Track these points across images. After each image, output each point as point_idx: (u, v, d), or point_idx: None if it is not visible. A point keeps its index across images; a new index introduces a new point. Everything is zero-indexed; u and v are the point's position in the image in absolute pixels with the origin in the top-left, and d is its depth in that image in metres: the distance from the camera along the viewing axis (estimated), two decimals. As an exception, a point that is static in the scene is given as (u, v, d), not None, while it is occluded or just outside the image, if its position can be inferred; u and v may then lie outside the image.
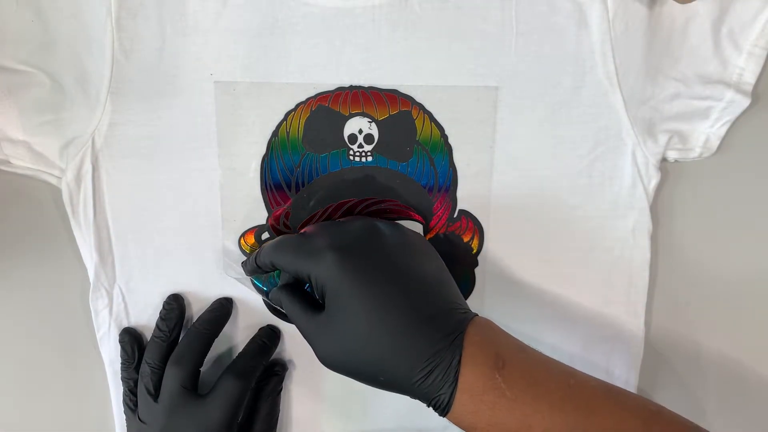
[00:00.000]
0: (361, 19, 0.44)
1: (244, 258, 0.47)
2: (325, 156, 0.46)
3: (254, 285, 0.48)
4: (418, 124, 0.45)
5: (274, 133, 0.46)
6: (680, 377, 0.51)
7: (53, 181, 0.47)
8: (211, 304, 0.48)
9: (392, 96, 0.45)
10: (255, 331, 0.49)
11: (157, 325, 0.47)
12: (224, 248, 0.47)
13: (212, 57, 0.44)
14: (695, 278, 0.50)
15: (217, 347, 0.48)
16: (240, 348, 0.48)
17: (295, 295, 0.42)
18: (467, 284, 0.48)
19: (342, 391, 0.50)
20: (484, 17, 0.44)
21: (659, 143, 0.46)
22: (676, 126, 0.46)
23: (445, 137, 0.46)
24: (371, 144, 0.46)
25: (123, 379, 0.48)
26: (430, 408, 0.38)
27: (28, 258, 0.49)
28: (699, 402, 0.52)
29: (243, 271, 0.47)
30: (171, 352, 0.46)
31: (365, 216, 0.46)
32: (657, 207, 0.48)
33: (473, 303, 0.48)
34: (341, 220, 0.45)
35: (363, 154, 0.46)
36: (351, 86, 0.45)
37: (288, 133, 0.46)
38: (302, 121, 0.45)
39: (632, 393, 0.39)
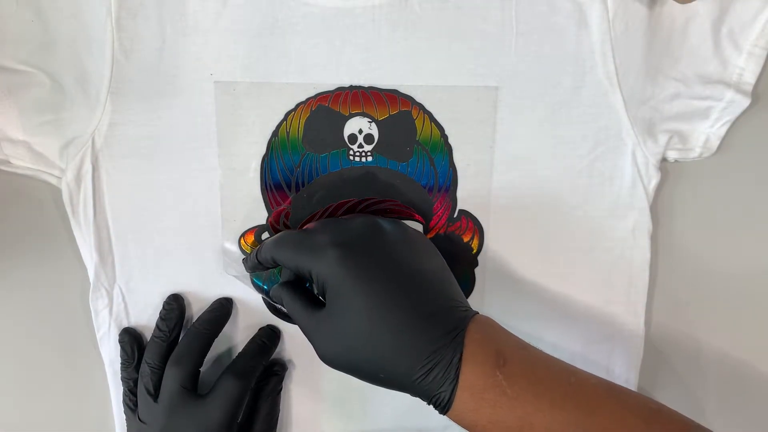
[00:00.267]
0: (361, 19, 0.44)
1: (244, 258, 0.47)
2: (325, 156, 0.46)
3: (254, 284, 0.48)
4: (418, 124, 0.45)
5: (274, 133, 0.46)
6: (680, 377, 0.51)
7: (53, 181, 0.47)
8: (211, 304, 0.48)
9: (392, 96, 0.45)
10: (255, 331, 0.49)
11: (157, 325, 0.47)
12: (224, 248, 0.47)
13: (212, 57, 0.44)
14: (695, 278, 0.50)
15: (217, 347, 0.48)
16: (240, 348, 0.48)
17: (296, 292, 0.42)
18: (467, 284, 0.48)
19: (342, 390, 0.50)
20: (484, 17, 0.44)
21: (659, 143, 0.46)
22: (676, 126, 0.46)
23: (445, 137, 0.46)
24: (371, 144, 0.46)
25: (123, 379, 0.48)
26: (431, 406, 0.37)
27: (28, 258, 0.49)
28: (699, 401, 0.52)
29: (243, 269, 0.47)
30: (171, 352, 0.46)
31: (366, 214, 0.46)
32: (657, 207, 0.48)
33: (473, 303, 0.48)
34: (343, 217, 0.45)
35: (363, 154, 0.46)
36: (351, 86, 0.45)
37: (288, 133, 0.46)
38: (302, 121, 0.45)
39: (633, 391, 0.39)
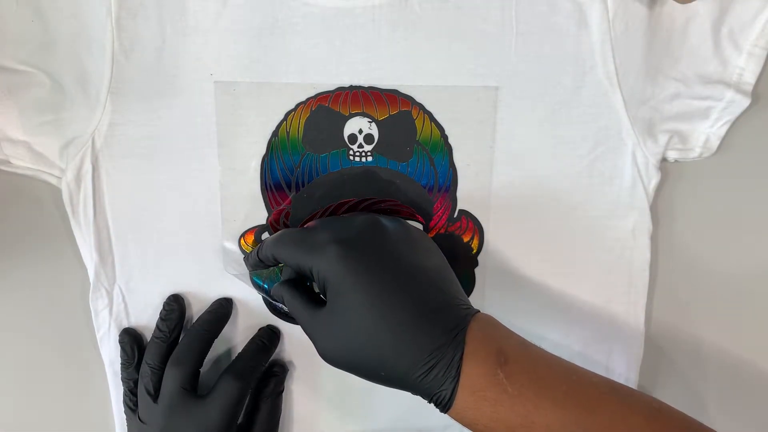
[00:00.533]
0: (361, 19, 0.44)
1: (245, 256, 0.47)
2: (325, 156, 0.46)
3: (253, 283, 0.48)
4: (418, 124, 0.45)
5: (274, 133, 0.46)
6: (681, 376, 0.51)
7: (53, 181, 0.47)
8: (211, 305, 0.48)
9: (392, 96, 0.45)
10: (255, 331, 0.49)
11: (157, 325, 0.47)
12: (224, 248, 0.47)
13: (212, 57, 0.44)
14: (695, 278, 0.50)
15: (217, 348, 0.48)
16: (240, 348, 0.48)
17: (297, 290, 0.42)
18: (467, 284, 0.48)
19: (341, 390, 0.50)
20: (484, 17, 0.44)
21: (659, 143, 0.46)
22: (676, 126, 0.46)
23: (445, 137, 0.46)
24: (371, 144, 0.46)
25: (123, 379, 0.48)
26: (432, 405, 0.37)
27: (28, 258, 0.49)
28: (700, 400, 0.52)
29: (243, 269, 0.47)
30: (171, 352, 0.46)
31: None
32: (657, 207, 0.48)
33: (473, 303, 0.47)
34: (344, 215, 0.45)
35: (363, 154, 0.46)
36: (351, 86, 0.45)
37: (288, 133, 0.46)
38: (302, 121, 0.45)
39: (635, 390, 0.39)
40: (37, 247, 0.49)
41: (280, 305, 0.47)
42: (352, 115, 0.45)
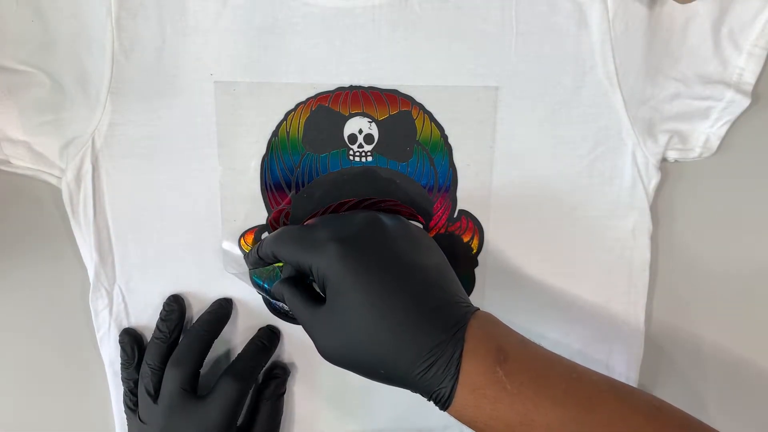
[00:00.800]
0: (361, 19, 0.44)
1: (246, 254, 0.47)
2: (325, 156, 0.46)
3: (253, 282, 0.48)
4: (418, 124, 0.45)
5: (274, 133, 0.46)
6: (681, 376, 0.51)
7: (53, 181, 0.47)
8: (211, 305, 0.48)
9: (392, 96, 0.45)
10: (255, 331, 0.49)
11: (157, 326, 0.47)
12: (224, 249, 0.47)
13: (212, 57, 0.44)
14: (695, 278, 0.50)
15: (217, 348, 0.48)
16: (240, 349, 0.48)
17: (297, 288, 0.41)
18: (467, 284, 0.48)
19: (341, 390, 0.50)
20: (484, 17, 0.44)
21: (659, 143, 0.46)
22: (676, 126, 0.46)
23: (445, 137, 0.46)
24: (371, 144, 0.46)
25: (123, 379, 0.48)
26: (431, 403, 0.37)
27: (28, 258, 0.49)
28: (700, 400, 0.52)
29: (242, 268, 0.47)
30: (171, 353, 0.46)
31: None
32: (657, 207, 0.48)
33: (473, 302, 0.48)
34: (344, 213, 0.44)
35: (363, 154, 0.46)
36: (351, 86, 0.45)
37: (288, 133, 0.46)
38: (302, 121, 0.45)
39: (635, 388, 0.39)
40: (37, 247, 0.49)
41: (280, 304, 0.47)
42: (352, 115, 0.45)
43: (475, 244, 0.48)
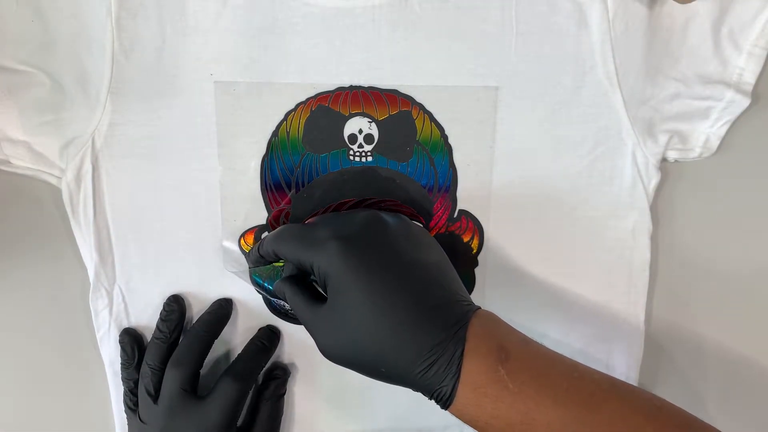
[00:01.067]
0: (361, 19, 0.44)
1: (244, 257, 0.47)
2: (325, 156, 0.46)
3: (253, 280, 0.48)
4: (418, 124, 0.45)
5: (274, 133, 0.46)
6: (681, 376, 0.51)
7: (53, 181, 0.47)
8: (211, 306, 0.48)
9: (392, 96, 0.45)
10: (255, 332, 0.49)
11: (157, 326, 0.47)
12: (224, 248, 0.47)
13: (212, 57, 0.44)
14: (695, 278, 0.50)
15: (217, 349, 0.48)
16: (240, 349, 0.48)
17: (298, 286, 0.41)
18: (467, 284, 0.48)
19: (341, 390, 0.50)
20: (484, 17, 0.44)
21: (659, 143, 0.46)
22: (676, 126, 0.46)
23: (445, 137, 0.46)
24: (371, 144, 0.46)
25: (123, 379, 0.48)
26: (432, 402, 0.37)
27: (28, 258, 0.49)
28: (701, 399, 0.52)
29: (242, 266, 0.47)
30: (171, 353, 0.46)
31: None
32: (657, 207, 0.48)
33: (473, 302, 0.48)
34: (345, 211, 0.44)
35: (363, 154, 0.46)
36: (351, 86, 0.45)
37: (288, 133, 0.46)
38: (302, 121, 0.45)
39: (636, 387, 0.39)
40: (37, 247, 0.49)
41: (281, 303, 0.47)
42: (352, 115, 0.45)
43: (475, 244, 0.48)
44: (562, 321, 0.49)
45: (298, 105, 0.45)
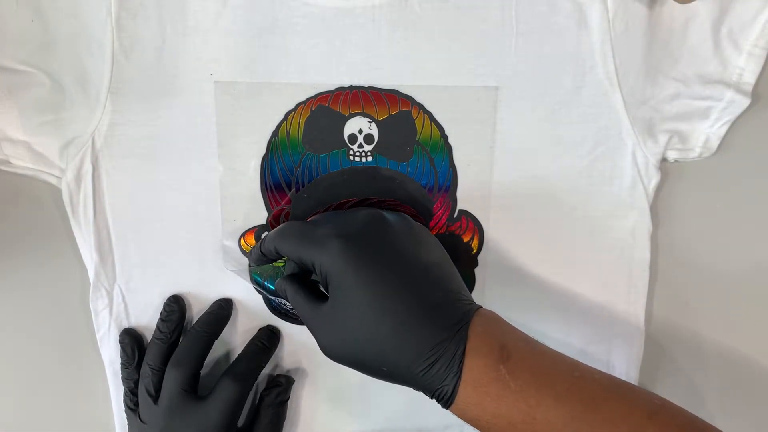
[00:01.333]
0: (361, 19, 0.44)
1: (244, 257, 0.47)
2: (325, 156, 0.46)
3: (252, 279, 0.48)
4: (418, 124, 0.45)
5: (274, 133, 0.46)
6: (681, 376, 0.51)
7: (53, 181, 0.47)
8: (210, 306, 0.48)
9: (392, 96, 0.45)
10: (255, 332, 0.49)
11: (157, 326, 0.47)
12: (224, 248, 0.47)
13: (212, 57, 0.44)
14: (695, 278, 0.50)
15: (217, 349, 0.48)
16: (240, 349, 0.48)
17: (300, 285, 0.41)
18: (467, 284, 0.48)
19: (341, 391, 0.50)
20: (484, 17, 0.44)
21: (659, 143, 0.46)
22: (676, 126, 0.46)
23: (445, 137, 0.46)
24: (371, 144, 0.46)
25: (123, 379, 0.48)
26: (432, 402, 0.37)
27: (28, 258, 0.49)
28: (701, 399, 0.52)
29: (241, 265, 0.47)
30: (171, 353, 0.46)
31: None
32: (657, 207, 0.48)
33: (473, 303, 0.48)
34: (347, 210, 0.44)
35: (363, 154, 0.46)
36: (351, 86, 0.45)
37: (288, 133, 0.46)
38: (302, 121, 0.45)
39: (637, 386, 0.39)
40: (37, 247, 0.49)
41: (282, 302, 0.47)
42: (352, 115, 0.45)
43: (475, 244, 0.48)
44: (562, 321, 0.49)
45: (298, 105, 0.45)
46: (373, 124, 0.46)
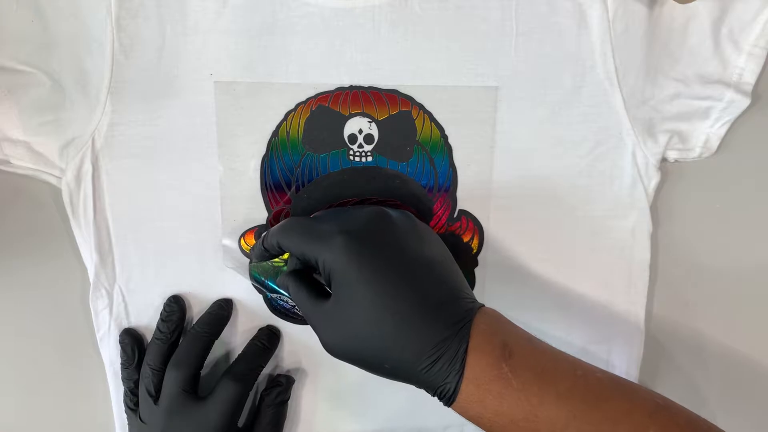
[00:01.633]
0: (361, 19, 0.44)
1: (244, 257, 0.47)
2: (325, 156, 0.46)
3: (252, 277, 0.48)
4: (418, 124, 0.45)
5: (274, 133, 0.46)
6: (681, 375, 0.51)
7: (53, 181, 0.47)
8: (210, 306, 0.48)
9: (392, 96, 0.45)
10: (255, 332, 0.48)
11: (157, 326, 0.47)
12: (224, 248, 0.47)
13: (212, 57, 0.44)
14: (695, 277, 0.50)
15: (217, 349, 0.48)
16: (240, 350, 0.48)
17: (302, 281, 0.41)
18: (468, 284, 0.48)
19: (341, 390, 0.50)
20: (484, 17, 0.44)
21: (659, 143, 0.46)
22: (676, 126, 0.46)
23: (445, 137, 0.46)
24: (371, 144, 0.46)
25: (123, 379, 0.48)
26: (433, 400, 0.37)
27: (28, 258, 0.49)
28: (701, 398, 0.52)
29: (241, 263, 0.46)
30: (172, 353, 0.46)
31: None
32: (657, 207, 0.48)
33: (473, 303, 0.48)
34: (350, 207, 0.44)
35: (363, 154, 0.46)
36: (351, 86, 0.45)
37: (288, 133, 0.46)
38: (302, 121, 0.45)
39: (639, 385, 0.39)
40: (37, 247, 0.49)
41: (281, 301, 0.47)
42: (352, 115, 0.45)
43: (475, 244, 0.48)
44: (563, 320, 0.49)
45: (298, 105, 0.45)
46: (373, 124, 0.46)
